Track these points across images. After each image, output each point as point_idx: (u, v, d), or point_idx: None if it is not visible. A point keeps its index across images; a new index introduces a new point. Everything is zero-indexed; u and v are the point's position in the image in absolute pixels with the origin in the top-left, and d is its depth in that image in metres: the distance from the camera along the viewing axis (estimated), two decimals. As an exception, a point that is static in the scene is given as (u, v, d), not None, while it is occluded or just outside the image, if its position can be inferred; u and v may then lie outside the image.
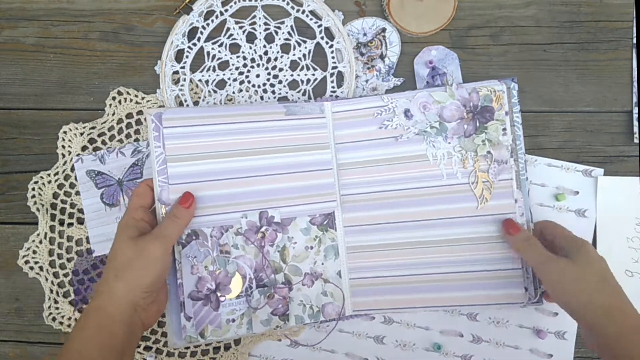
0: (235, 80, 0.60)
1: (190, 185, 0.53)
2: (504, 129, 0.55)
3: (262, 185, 0.54)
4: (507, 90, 0.56)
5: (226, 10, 0.60)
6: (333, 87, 0.60)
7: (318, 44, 0.60)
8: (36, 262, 0.59)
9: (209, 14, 0.60)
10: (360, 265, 0.56)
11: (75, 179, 0.59)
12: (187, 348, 0.58)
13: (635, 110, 0.60)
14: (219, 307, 0.53)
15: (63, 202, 0.59)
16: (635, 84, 0.60)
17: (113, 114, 0.59)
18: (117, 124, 0.59)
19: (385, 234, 0.56)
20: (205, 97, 0.59)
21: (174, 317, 0.53)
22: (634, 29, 0.60)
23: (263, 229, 0.54)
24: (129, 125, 0.59)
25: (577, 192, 0.59)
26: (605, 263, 0.49)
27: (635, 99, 0.60)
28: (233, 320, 0.54)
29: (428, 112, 0.56)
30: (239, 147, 0.54)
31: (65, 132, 0.59)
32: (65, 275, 0.59)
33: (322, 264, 0.56)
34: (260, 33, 0.60)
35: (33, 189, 0.59)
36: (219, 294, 0.53)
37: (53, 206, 0.59)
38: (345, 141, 0.57)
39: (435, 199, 0.56)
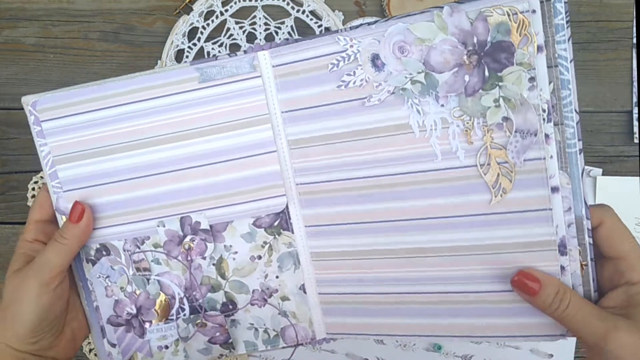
0: (235, 80, 0.60)
1: (88, 190, 0.42)
2: (532, 79, 0.34)
3: (181, 182, 0.41)
4: (542, 7, 0.34)
5: (226, 11, 0.60)
6: (333, 87, 0.60)
7: (318, 44, 0.60)
8: (36, 262, 0.59)
9: (209, 14, 0.60)
10: (332, 277, 0.42)
11: (75, 179, 0.59)
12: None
13: (635, 110, 0.60)
14: (145, 333, 0.44)
15: (63, 202, 0.59)
16: (635, 84, 0.60)
17: (113, 114, 0.59)
18: (117, 124, 0.59)
19: (360, 238, 0.40)
20: (205, 97, 0.59)
21: (98, 343, 0.44)
22: (634, 29, 0.60)
23: (188, 239, 0.42)
24: (129, 125, 0.59)
25: (577, 192, 0.59)
26: None
27: (635, 99, 0.60)
28: (166, 347, 0.44)
29: (407, 58, 0.37)
30: (143, 135, 0.41)
31: (65, 132, 0.59)
32: (65, 275, 0.59)
33: (277, 277, 0.42)
34: (260, 33, 0.60)
35: (33, 189, 0.59)
36: (142, 319, 0.43)
37: (53, 206, 0.59)
38: (295, 107, 0.39)
39: (428, 189, 0.38)
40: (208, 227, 0.41)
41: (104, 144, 0.42)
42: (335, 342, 0.58)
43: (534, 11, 0.34)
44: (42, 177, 0.59)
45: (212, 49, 0.60)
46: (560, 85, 0.35)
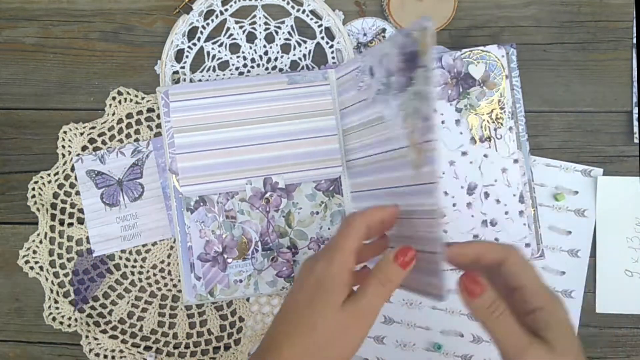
0: (235, 80, 0.60)
1: (195, 154, 0.56)
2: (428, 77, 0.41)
3: (266, 152, 0.56)
4: (507, 56, 0.57)
5: (226, 10, 0.60)
6: (333, 87, 0.60)
7: (318, 44, 0.60)
8: (36, 262, 0.59)
9: (209, 14, 0.60)
10: None
11: (75, 179, 0.59)
12: (187, 347, 0.58)
13: (635, 110, 0.60)
14: (227, 268, 0.57)
15: (63, 202, 0.59)
16: (635, 84, 0.60)
17: (113, 114, 0.59)
18: (117, 124, 0.59)
19: (374, 201, 0.51)
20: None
21: (185, 277, 0.56)
22: (634, 29, 0.60)
23: (267, 195, 0.56)
24: (129, 125, 0.59)
25: (577, 192, 0.59)
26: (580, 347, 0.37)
27: (635, 99, 0.60)
28: (240, 281, 0.57)
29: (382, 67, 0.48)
30: (242, 117, 0.56)
31: (65, 132, 0.59)
32: (66, 275, 0.59)
33: (329, 229, 0.58)
34: (260, 33, 0.60)
35: (33, 189, 0.59)
36: (225, 256, 0.56)
37: (53, 206, 0.59)
38: (345, 106, 0.56)
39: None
40: (284, 187, 0.56)
41: (212, 121, 0.56)
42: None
43: (502, 56, 0.57)
44: (42, 177, 0.59)
45: (212, 48, 0.60)
46: (516, 101, 0.57)
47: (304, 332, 0.35)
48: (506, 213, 0.57)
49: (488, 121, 0.57)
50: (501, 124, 0.57)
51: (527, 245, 0.56)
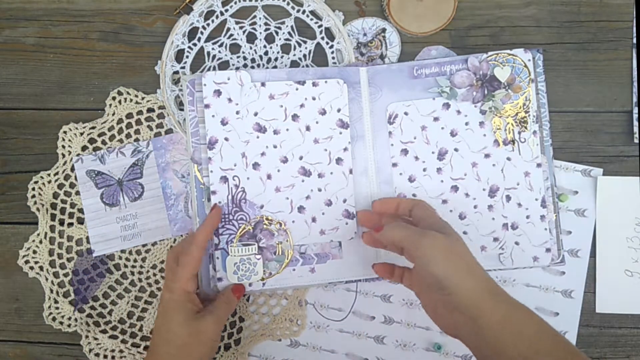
0: (235, 80, 0.60)
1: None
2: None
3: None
4: (533, 60, 0.57)
5: (226, 10, 0.60)
6: (333, 87, 0.60)
7: (318, 44, 0.60)
8: (36, 262, 0.59)
9: (209, 14, 0.60)
10: None
11: (75, 179, 0.59)
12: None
13: (635, 110, 0.60)
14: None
15: (63, 202, 0.59)
16: (635, 84, 0.60)
17: (113, 114, 0.59)
18: (117, 124, 0.59)
19: None
20: (205, 97, 0.60)
21: (204, 270, 0.55)
22: (634, 29, 0.60)
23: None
24: (129, 125, 0.59)
25: (577, 192, 0.59)
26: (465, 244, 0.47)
27: (635, 99, 0.60)
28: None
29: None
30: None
31: (65, 132, 0.59)
32: (65, 275, 0.59)
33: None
34: (260, 33, 0.60)
35: (33, 189, 0.59)
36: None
37: (53, 206, 0.59)
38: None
39: None
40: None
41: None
42: (335, 342, 0.58)
43: (529, 60, 0.57)
44: (42, 177, 0.59)
45: (212, 49, 0.60)
46: (540, 105, 0.58)
47: (160, 344, 0.49)
48: (527, 217, 0.56)
49: (512, 124, 0.57)
50: (525, 127, 0.57)
51: (548, 250, 0.56)
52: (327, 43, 0.60)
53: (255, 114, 0.55)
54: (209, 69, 0.60)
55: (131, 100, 0.60)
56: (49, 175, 0.59)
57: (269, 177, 0.55)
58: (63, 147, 0.59)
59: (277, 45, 0.60)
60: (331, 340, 0.58)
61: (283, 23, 0.60)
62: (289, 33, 0.60)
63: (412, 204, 0.52)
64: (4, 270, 0.60)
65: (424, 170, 0.57)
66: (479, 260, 0.45)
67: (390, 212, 0.54)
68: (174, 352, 0.47)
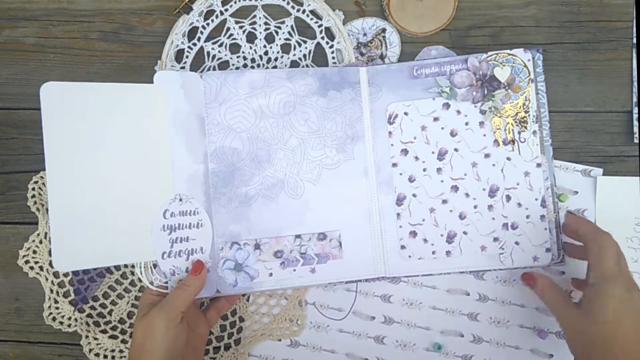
0: (235, 80, 0.60)
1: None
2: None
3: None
4: (532, 60, 0.57)
5: (226, 10, 0.60)
6: (333, 87, 0.60)
7: (318, 44, 0.60)
8: (36, 262, 0.59)
9: (209, 14, 0.60)
10: None
11: (75, 179, 0.59)
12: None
13: (635, 110, 0.60)
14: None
15: (63, 202, 0.59)
16: (635, 84, 0.60)
17: (113, 114, 0.59)
18: (117, 124, 0.59)
19: None
20: (205, 97, 0.60)
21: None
22: (634, 29, 0.60)
23: None
24: (129, 125, 0.59)
25: (577, 192, 0.59)
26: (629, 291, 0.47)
27: (635, 99, 0.60)
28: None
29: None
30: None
31: (65, 132, 0.59)
32: (65, 275, 0.59)
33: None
34: (260, 33, 0.60)
35: (33, 189, 0.59)
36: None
37: (53, 206, 0.59)
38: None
39: None
40: None
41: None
42: (335, 342, 0.58)
43: (528, 60, 0.57)
44: (42, 177, 0.59)
45: (212, 48, 0.60)
46: (540, 105, 0.57)
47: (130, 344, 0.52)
48: (527, 217, 0.56)
49: (512, 124, 0.57)
50: (525, 127, 0.57)
51: (548, 250, 0.56)
52: (327, 43, 0.60)
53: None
54: (208, 69, 0.60)
55: (131, 100, 0.59)
56: (49, 175, 0.59)
57: None
58: (63, 147, 0.59)
59: (277, 45, 0.60)
60: (331, 340, 0.58)
61: (283, 23, 0.60)
62: (289, 33, 0.60)
63: (593, 236, 0.52)
64: (4, 270, 0.60)
65: (424, 170, 0.57)
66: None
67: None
68: (133, 355, 0.47)
